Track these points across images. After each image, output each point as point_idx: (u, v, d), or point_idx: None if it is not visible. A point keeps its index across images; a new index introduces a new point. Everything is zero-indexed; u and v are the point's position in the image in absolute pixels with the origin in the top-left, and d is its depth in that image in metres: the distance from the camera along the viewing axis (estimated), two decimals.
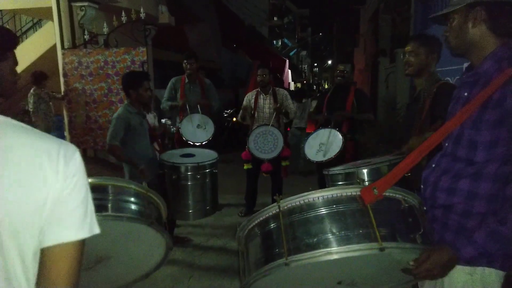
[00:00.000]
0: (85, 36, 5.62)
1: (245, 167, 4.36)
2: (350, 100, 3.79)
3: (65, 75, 5.52)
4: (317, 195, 1.26)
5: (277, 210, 1.28)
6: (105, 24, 5.48)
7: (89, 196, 0.80)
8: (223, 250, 3.63)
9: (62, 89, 5.78)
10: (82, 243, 0.77)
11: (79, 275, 0.76)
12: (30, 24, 7.54)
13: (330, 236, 1.19)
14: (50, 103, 6.19)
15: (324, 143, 3.49)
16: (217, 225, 4.20)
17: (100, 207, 1.40)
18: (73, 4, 5.68)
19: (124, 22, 5.33)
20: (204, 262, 3.38)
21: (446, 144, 1.38)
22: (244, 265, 1.39)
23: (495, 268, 1.27)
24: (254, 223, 1.36)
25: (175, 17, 7.47)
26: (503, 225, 1.16)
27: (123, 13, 5.32)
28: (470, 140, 1.27)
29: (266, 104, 4.38)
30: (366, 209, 1.21)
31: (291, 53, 27.37)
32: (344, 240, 1.17)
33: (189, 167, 3.10)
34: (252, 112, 4.36)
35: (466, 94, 1.36)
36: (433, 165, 1.43)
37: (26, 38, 7.18)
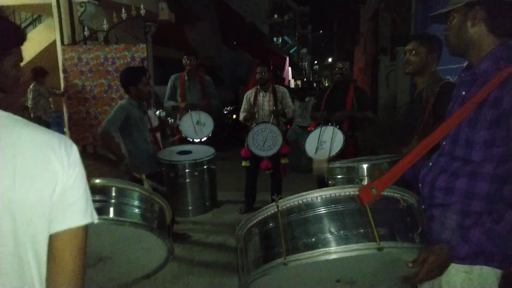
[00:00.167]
0: (85, 33, 5.61)
1: (243, 164, 4.37)
2: (349, 98, 3.79)
3: (64, 71, 5.51)
4: (316, 195, 1.26)
5: (276, 209, 1.29)
6: (105, 20, 5.46)
7: (87, 185, 0.87)
8: (222, 247, 3.65)
9: (62, 85, 5.77)
10: (86, 227, 0.84)
11: (86, 257, 0.83)
12: (30, 20, 7.52)
13: (329, 236, 1.19)
14: (50, 99, 6.19)
15: (324, 141, 3.49)
16: (217, 222, 4.21)
17: (102, 210, 1.39)
18: (73, 0, 5.66)
19: (124, 18, 5.32)
20: (204, 259, 3.39)
21: (444, 143, 1.39)
22: (243, 264, 1.39)
23: (492, 266, 1.28)
24: (252, 223, 1.37)
25: (175, 15, 7.45)
26: (498, 224, 1.17)
27: (123, 9, 5.31)
28: (467, 139, 1.27)
29: (265, 101, 4.38)
30: (364, 209, 1.22)
31: (292, 51, 27.34)
32: (342, 240, 1.18)
33: (186, 165, 3.12)
34: (252, 109, 4.36)
35: (464, 93, 1.37)
36: (431, 164, 1.44)
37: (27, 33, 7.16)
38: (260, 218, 1.34)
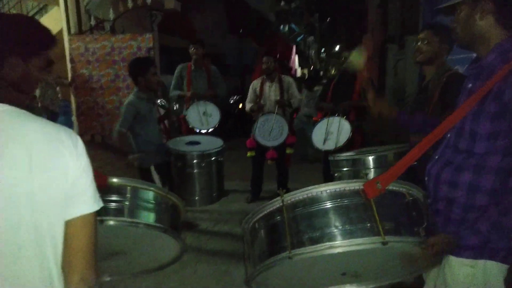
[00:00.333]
0: (91, 22, 5.60)
1: (248, 154, 4.37)
2: (357, 87, 3.76)
3: (72, 60, 5.53)
4: (321, 189, 1.27)
5: (281, 204, 1.30)
6: (111, 9, 5.45)
7: (93, 174, 0.91)
8: (229, 235, 3.69)
9: (69, 74, 5.79)
10: (96, 213, 0.90)
11: (97, 241, 0.88)
12: (37, 9, 7.52)
13: (334, 230, 1.20)
14: (57, 88, 6.22)
15: (331, 132, 3.48)
16: (224, 210, 4.25)
17: (118, 211, 1.40)
18: None
19: (130, 7, 5.30)
20: (211, 247, 3.43)
21: (449, 135, 1.38)
22: (249, 256, 1.42)
23: (497, 261, 1.29)
24: (258, 216, 1.38)
25: (181, 2, 7.39)
26: (505, 216, 1.17)
27: None
28: (471, 131, 1.27)
29: (271, 91, 4.36)
30: (369, 203, 1.22)
31: (299, 39, 27.02)
32: (347, 234, 1.19)
33: (195, 155, 3.13)
34: (258, 99, 4.35)
35: (470, 86, 1.36)
36: (436, 157, 1.44)
37: None
38: (265, 212, 1.36)
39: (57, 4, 5.94)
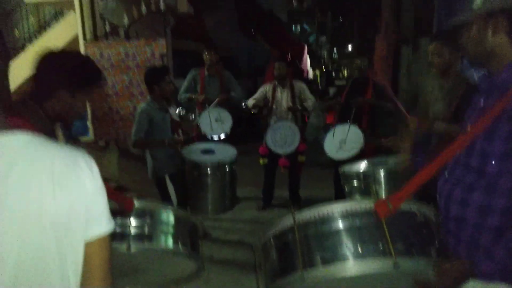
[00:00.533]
0: (106, 28, 5.70)
1: (261, 162, 4.39)
2: (368, 93, 3.76)
3: None
4: (332, 209, 1.28)
5: (292, 223, 1.31)
6: (125, 15, 5.53)
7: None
8: (240, 245, 3.71)
9: None
10: (111, 234, 0.92)
11: (112, 259, 0.92)
12: (53, 13, 7.68)
13: (345, 251, 1.21)
14: None
15: (344, 140, 3.47)
16: (235, 219, 4.27)
17: (138, 236, 1.40)
18: None
19: (144, 13, 5.37)
20: (223, 256, 3.47)
21: (460, 153, 1.38)
22: (262, 273, 1.44)
23: (510, 283, 1.28)
24: (270, 234, 1.40)
25: (193, 4, 7.45)
26: None
27: (142, 4, 5.36)
28: (482, 150, 1.26)
29: (283, 97, 4.37)
30: (380, 224, 1.23)
31: (311, 39, 26.90)
32: (359, 256, 1.20)
33: (209, 165, 3.15)
34: (270, 104, 4.37)
35: (482, 102, 1.35)
36: (447, 175, 1.43)
37: (50, 28, 7.33)
38: (277, 230, 1.38)
39: (73, 9, 6.07)
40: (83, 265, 0.87)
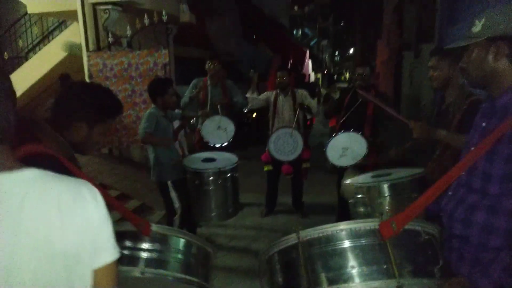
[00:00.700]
0: (109, 39, 5.74)
1: (265, 169, 4.41)
2: (370, 103, 3.74)
3: (90, 77, 5.68)
4: (337, 228, 1.29)
5: (297, 241, 1.32)
6: (128, 26, 5.58)
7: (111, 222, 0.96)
8: (244, 252, 3.72)
9: None
10: (117, 261, 0.94)
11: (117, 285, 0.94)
12: (57, 24, 7.76)
13: (349, 271, 1.22)
14: None
15: (347, 147, 3.47)
16: (239, 225, 4.28)
17: (152, 261, 1.39)
18: (97, 7, 5.81)
19: (146, 24, 5.41)
20: (227, 263, 3.47)
21: (462, 173, 1.38)
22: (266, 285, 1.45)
23: None
24: (274, 251, 1.41)
25: (196, 11, 7.49)
26: None
27: (145, 15, 5.41)
28: (484, 172, 1.28)
29: (286, 105, 4.39)
30: (384, 244, 1.24)
31: (312, 43, 26.99)
32: (362, 276, 1.21)
33: (211, 173, 3.18)
34: (272, 112, 4.39)
35: (484, 124, 1.36)
36: (450, 193, 1.44)
37: (53, 38, 7.40)
38: (281, 247, 1.38)
39: (76, 19, 6.13)
40: None
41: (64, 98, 1.41)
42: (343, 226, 1.29)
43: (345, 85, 19.46)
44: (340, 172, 3.62)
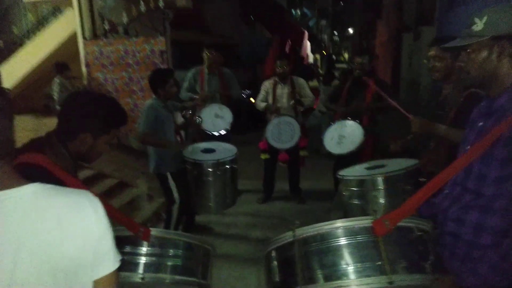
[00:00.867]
0: (105, 26, 5.67)
1: (263, 157, 4.43)
2: (370, 92, 3.74)
3: (87, 65, 5.65)
4: (332, 227, 1.33)
5: (293, 238, 1.37)
6: (124, 13, 5.50)
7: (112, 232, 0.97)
8: (242, 239, 3.78)
9: (85, 78, 5.91)
10: (118, 270, 0.96)
11: None
12: (51, 10, 7.63)
13: (343, 268, 1.26)
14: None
15: (344, 136, 3.50)
16: (237, 212, 4.30)
17: (151, 265, 1.41)
18: None
19: (143, 10, 5.34)
20: (225, 251, 3.52)
21: (459, 172, 1.41)
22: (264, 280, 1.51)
23: None
24: (271, 248, 1.46)
25: None
26: (505, 262, 1.21)
27: (141, 1, 5.32)
28: (479, 173, 1.30)
29: (284, 93, 4.38)
30: (377, 241, 1.28)
31: (311, 23, 26.56)
32: (357, 273, 1.25)
33: (210, 164, 3.21)
34: (272, 102, 4.39)
35: (481, 124, 1.37)
36: (446, 191, 1.47)
37: (47, 24, 7.30)
38: (278, 244, 1.43)
39: (71, 6, 6.03)
40: None
41: (69, 109, 1.41)
42: (338, 224, 1.33)
43: (344, 66, 19.28)
44: (337, 157, 3.66)
